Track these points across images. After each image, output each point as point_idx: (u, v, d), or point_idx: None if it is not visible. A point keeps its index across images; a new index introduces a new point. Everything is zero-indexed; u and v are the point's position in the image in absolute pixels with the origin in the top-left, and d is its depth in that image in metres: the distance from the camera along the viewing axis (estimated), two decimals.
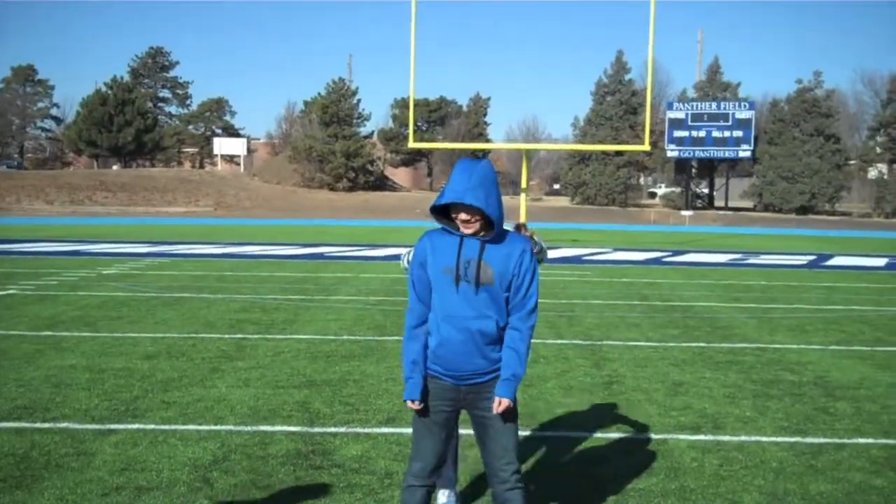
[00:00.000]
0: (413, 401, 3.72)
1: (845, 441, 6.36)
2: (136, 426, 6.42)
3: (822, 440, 6.38)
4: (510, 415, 3.75)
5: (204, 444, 5.98)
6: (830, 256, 27.89)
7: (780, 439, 6.38)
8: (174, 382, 7.84)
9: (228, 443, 6.02)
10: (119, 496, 4.98)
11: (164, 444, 5.96)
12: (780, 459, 5.88)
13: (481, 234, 3.69)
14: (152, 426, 6.42)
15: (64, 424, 6.44)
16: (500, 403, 3.67)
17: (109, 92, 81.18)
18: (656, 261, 25.03)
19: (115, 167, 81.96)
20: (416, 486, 3.79)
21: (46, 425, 6.41)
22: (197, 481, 5.25)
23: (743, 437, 6.42)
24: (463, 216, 3.64)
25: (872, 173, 74.21)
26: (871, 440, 6.39)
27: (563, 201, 78.27)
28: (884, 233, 52.68)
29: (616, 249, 29.75)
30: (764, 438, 6.40)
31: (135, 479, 5.27)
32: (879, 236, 46.74)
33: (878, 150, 73.50)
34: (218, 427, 6.40)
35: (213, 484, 5.20)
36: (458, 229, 3.71)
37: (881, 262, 25.95)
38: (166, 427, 6.40)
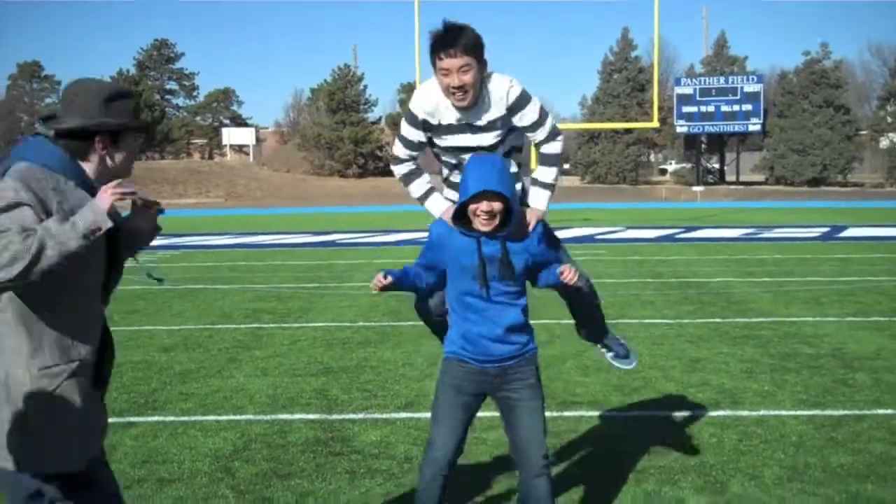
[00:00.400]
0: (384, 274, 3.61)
1: (865, 412, 6.34)
2: (155, 418, 6.46)
3: (841, 412, 6.36)
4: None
5: (224, 435, 6.01)
6: (844, 228, 27.78)
7: (799, 413, 6.37)
8: (192, 374, 7.88)
9: (248, 432, 6.04)
10: (141, 488, 5.01)
11: (185, 436, 5.99)
12: (800, 433, 5.87)
13: (498, 230, 3.58)
14: (172, 418, 6.45)
15: None
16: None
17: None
18: (669, 238, 24.98)
19: None
20: (436, 473, 3.75)
21: None
22: (218, 471, 5.27)
23: (762, 412, 6.41)
24: (484, 207, 3.50)
25: (884, 143, 73.71)
26: (890, 410, 6.37)
27: (573, 181, 78.10)
28: None
29: (628, 227, 29.70)
30: (783, 412, 6.39)
31: (156, 470, 5.30)
32: (893, 206, 46.47)
33: (889, 119, 73.04)
34: (237, 417, 6.43)
35: (235, 473, 5.22)
36: (470, 230, 3.61)
37: None
38: (186, 418, 6.43)
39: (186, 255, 20.93)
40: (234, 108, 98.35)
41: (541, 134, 4.17)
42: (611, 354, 4.94)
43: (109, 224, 2.62)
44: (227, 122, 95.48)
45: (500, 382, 3.72)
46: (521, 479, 3.79)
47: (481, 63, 3.88)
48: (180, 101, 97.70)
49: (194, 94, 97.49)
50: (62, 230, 2.53)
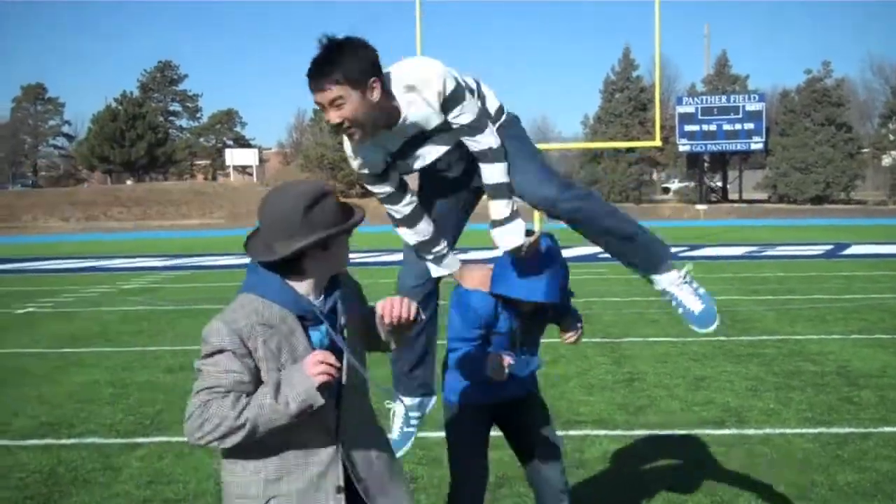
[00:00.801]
0: None
1: (871, 430, 6.33)
2: (161, 439, 6.46)
3: (847, 430, 6.35)
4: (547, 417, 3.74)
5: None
6: (847, 245, 27.75)
7: (804, 431, 6.36)
8: None
9: None
10: None
11: (191, 457, 5.99)
12: (806, 451, 5.86)
13: None
14: (177, 439, 6.44)
15: (90, 440, 6.49)
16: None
17: (120, 107, 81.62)
18: (673, 256, 24.93)
19: (128, 182, 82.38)
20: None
21: (72, 441, 6.46)
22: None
23: (767, 430, 6.40)
24: (527, 308, 3.48)
25: (886, 161, 73.71)
26: None
27: None
28: None
29: None
30: (788, 430, 6.38)
31: (162, 491, 5.30)
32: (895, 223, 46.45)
33: (891, 137, 73.07)
34: None
35: None
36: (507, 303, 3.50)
37: None
38: None
39: (191, 276, 20.94)
40: (238, 128, 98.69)
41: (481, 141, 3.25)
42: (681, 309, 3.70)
43: (321, 402, 2.40)
44: (230, 142, 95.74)
45: (509, 412, 3.73)
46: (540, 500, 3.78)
47: (365, 87, 3.02)
48: (184, 122, 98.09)
49: (198, 115, 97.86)
50: (275, 410, 2.38)
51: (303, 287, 2.54)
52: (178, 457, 5.99)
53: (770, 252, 25.55)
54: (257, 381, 2.45)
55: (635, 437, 6.34)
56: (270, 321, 2.47)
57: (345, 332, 2.59)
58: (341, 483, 2.53)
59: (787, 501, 4.93)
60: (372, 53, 3.03)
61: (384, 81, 3.08)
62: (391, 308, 2.59)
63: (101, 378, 8.72)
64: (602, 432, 6.38)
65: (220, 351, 2.44)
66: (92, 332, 11.89)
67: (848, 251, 25.34)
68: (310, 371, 2.37)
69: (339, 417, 2.54)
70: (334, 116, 3.02)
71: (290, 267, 2.51)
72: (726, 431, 6.38)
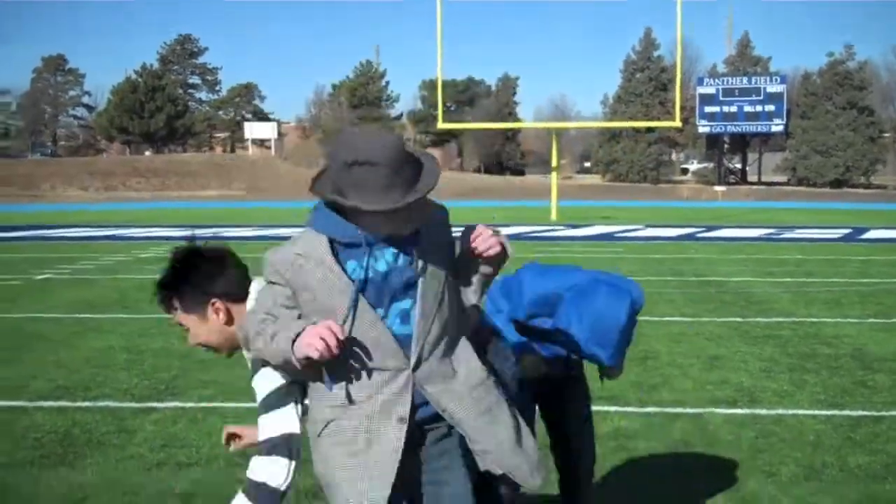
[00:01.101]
0: None
1: (883, 413, 6.31)
2: (175, 404, 6.52)
3: (859, 413, 6.33)
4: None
5: (243, 421, 6.03)
6: (866, 229, 27.58)
7: (817, 412, 6.35)
8: (213, 362, 7.87)
9: None
10: (160, 472, 5.06)
11: (204, 422, 6.04)
12: (818, 432, 5.85)
13: None
14: (192, 404, 6.51)
15: (104, 403, 6.55)
16: None
17: (140, 79, 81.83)
18: (690, 237, 24.88)
19: (147, 153, 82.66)
20: None
21: (87, 404, 6.52)
22: (237, 456, 5.30)
23: (780, 411, 6.39)
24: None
25: None
26: None
27: (594, 179, 77.90)
28: None
29: (648, 226, 29.59)
30: (801, 412, 6.37)
31: (175, 455, 5.35)
32: None
33: None
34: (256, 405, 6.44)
35: None
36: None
37: None
38: (206, 405, 6.48)
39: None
40: (256, 102, 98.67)
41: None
42: None
43: (297, 367, 2.37)
44: (248, 116, 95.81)
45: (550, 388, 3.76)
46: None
47: (201, 306, 2.76)
48: (203, 95, 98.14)
49: (217, 88, 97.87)
50: (272, 350, 2.42)
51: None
52: (192, 422, 6.05)
53: (788, 235, 25.43)
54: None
55: (647, 413, 6.35)
56: (308, 250, 2.44)
57: (418, 262, 2.44)
58: (405, 414, 2.43)
59: (797, 481, 4.93)
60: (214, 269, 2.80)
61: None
62: (481, 238, 2.48)
63: (116, 344, 8.79)
64: (614, 408, 6.38)
65: (268, 282, 2.51)
66: (109, 299, 11.98)
67: (866, 235, 25.20)
68: (308, 338, 2.29)
69: (414, 348, 2.43)
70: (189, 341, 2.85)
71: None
72: (738, 411, 6.38)
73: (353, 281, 2.41)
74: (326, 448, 2.51)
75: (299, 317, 2.46)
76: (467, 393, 2.51)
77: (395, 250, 2.43)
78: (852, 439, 5.69)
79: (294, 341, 2.33)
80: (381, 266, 2.43)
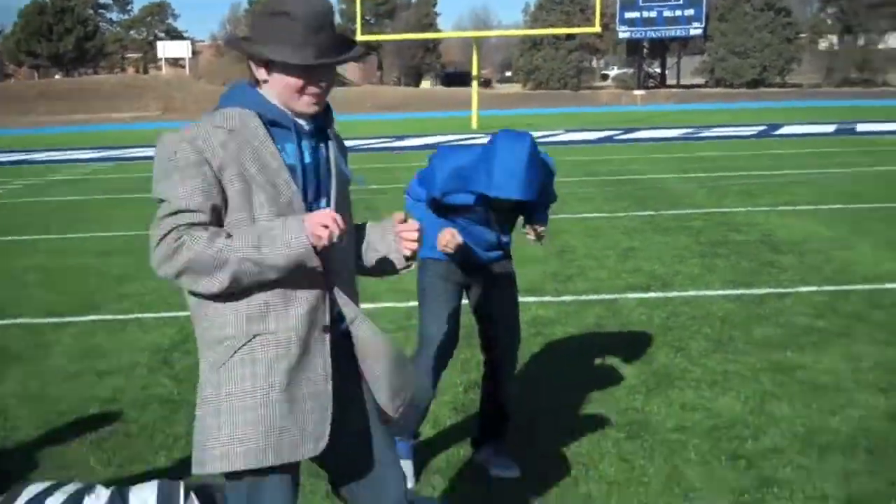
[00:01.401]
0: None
1: (789, 290, 6.57)
2: (93, 317, 6.46)
3: (766, 290, 6.58)
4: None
5: (162, 330, 6.04)
6: (780, 126, 28.13)
7: (726, 292, 6.57)
8: (130, 276, 7.84)
9: (188, 327, 6.06)
10: (81, 380, 5.05)
11: (123, 333, 6.02)
12: (726, 310, 6.07)
13: None
14: (110, 316, 6.46)
15: (21, 320, 6.46)
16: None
17: (47, 1, 78.45)
18: (608, 139, 25.10)
19: (56, 76, 79.79)
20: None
21: (4, 322, 6.43)
22: (156, 363, 5.32)
23: (691, 293, 6.60)
24: (508, 206, 3.47)
25: (823, 45, 74.28)
26: (814, 288, 6.61)
27: (515, 88, 77.69)
28: (833, 102, 53.05)
29: (568, 131, 29.74)
30: (711, 292, 6.59)
31: (95, 364, 5.33)
32: (828, 105, 47.06)
33: (829, 21, 73.49)
34: (176, 314, 6.44)
35: (174, 364, 5.28)
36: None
37: (830, 128, 26.23)
38: (124, 316, 6.44)
39: (122, 167, 20.56)
40: (170, 21, 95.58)
41: None
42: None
43: (316, 264, 2.08)
44: (161, 35, 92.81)
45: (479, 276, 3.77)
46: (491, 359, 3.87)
47: None
48: (114, 15, 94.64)
49: (128, 7, 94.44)
50: (258, 262, 2.07)
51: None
52: (111, 333, 6.01)
53: (704, 133, 25.81)
54: (223, 196, 2.10)
55: (563, 302, 6.50)
56: (236, 125, 2.12)
57: (331, 161, 2.26)
58: (328, 322, 2.21)
59: (705, 353, 5.13)
60: None
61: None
62: (408, 230, 2.27)
63: (32, 263, 8.63)
64: (532, 299, 6.52)
65: (176, 166, 2.10)
66: (24, 221, 11.70)
67: (781, 131, 25.72)
68: (311, 228, 2.03)
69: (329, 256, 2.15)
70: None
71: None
72: (651, 294, 6.57)
73: (296, 165, 2.17)
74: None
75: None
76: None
77: (313, 143, 2.25)
78: (759, 314, 5.92)
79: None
80: (308, 157, 2.22)
